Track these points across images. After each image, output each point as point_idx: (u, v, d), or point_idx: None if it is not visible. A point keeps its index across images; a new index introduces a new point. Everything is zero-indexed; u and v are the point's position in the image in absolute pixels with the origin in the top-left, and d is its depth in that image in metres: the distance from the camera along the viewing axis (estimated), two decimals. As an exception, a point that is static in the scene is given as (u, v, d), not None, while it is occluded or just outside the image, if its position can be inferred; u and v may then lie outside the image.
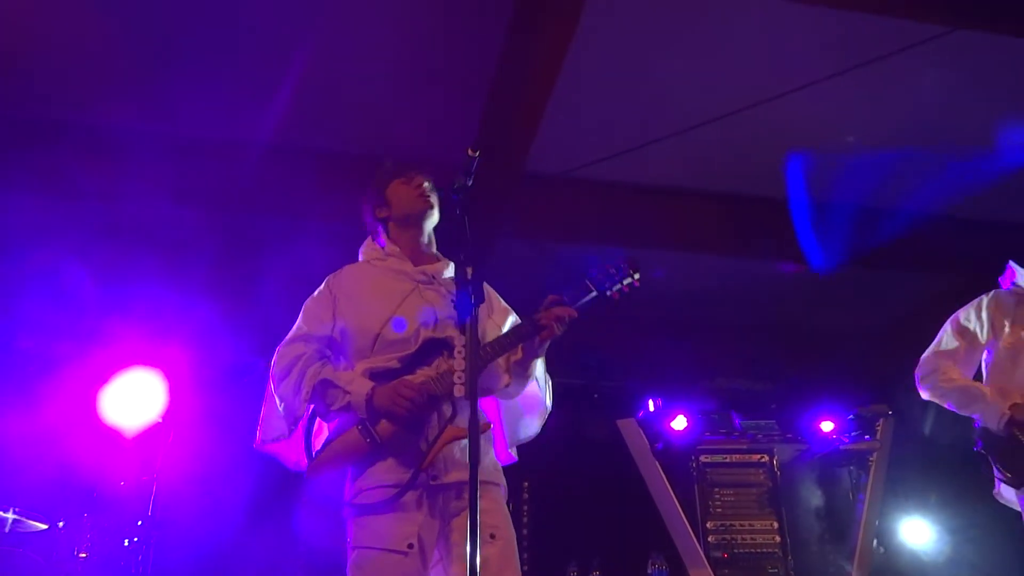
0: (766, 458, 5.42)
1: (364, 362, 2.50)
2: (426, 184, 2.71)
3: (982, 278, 3.80)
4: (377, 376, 2.45)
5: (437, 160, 4.36)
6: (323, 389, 2.44)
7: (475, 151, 2.26)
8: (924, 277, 6.20)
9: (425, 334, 2.51)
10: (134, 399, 4.99)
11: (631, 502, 5.34)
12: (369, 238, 2.80)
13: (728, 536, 5.16)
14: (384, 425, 2.40)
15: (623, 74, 4.46)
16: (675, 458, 5.35)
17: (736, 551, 5.13)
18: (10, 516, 4.40)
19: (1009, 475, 3.26)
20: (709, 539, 5.13)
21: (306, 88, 4.40)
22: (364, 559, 2.33)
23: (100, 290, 5.27)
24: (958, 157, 4.91)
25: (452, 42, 4.28)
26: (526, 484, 5.62)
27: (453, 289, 2.43)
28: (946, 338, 3.60)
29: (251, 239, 5.37)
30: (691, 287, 6.22)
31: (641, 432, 5.37)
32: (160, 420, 4.82)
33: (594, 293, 2.55)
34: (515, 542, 2.41)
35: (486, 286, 2.65)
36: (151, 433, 4.86)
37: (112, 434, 5.00)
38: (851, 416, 5.64)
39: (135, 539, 4.53)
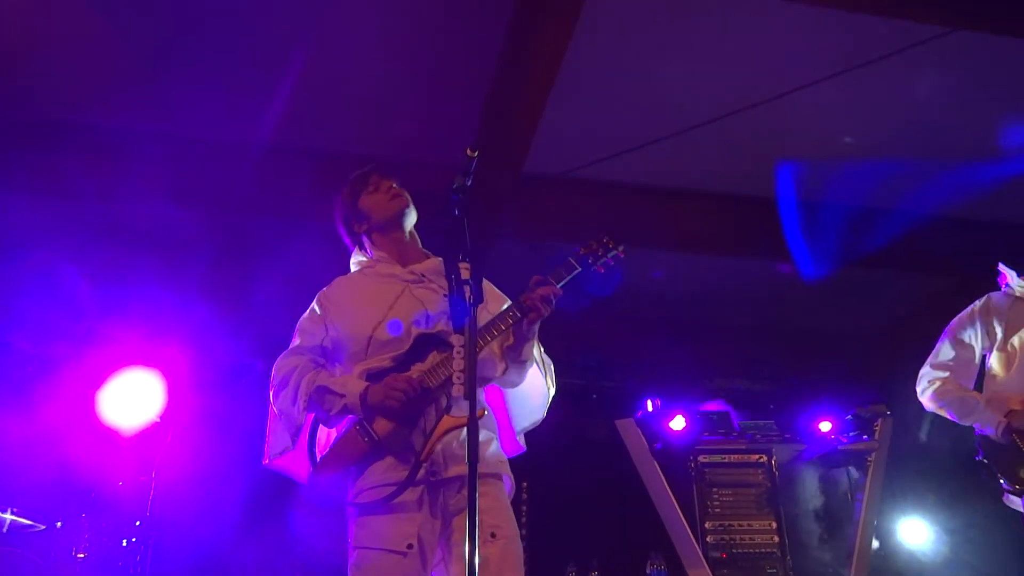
0: (764, 458, 5.42)
1: (359, 365, 2.52)
2: (393, 185, 2.74)
3: (980, 278, 3.81)
4: (372, 376, 2.46)
5: (436, 160, 4.37)
6: (320, 395, 2.45)
7: (474, 151, 2.26)
8: (923, 277, 6.21)
9: (417, 332, 2.51)
10: (132, 399, 4.97)
11: (630, 502, 5.34)
12: (356, 248, 2.82)
13: (726, 536, 5.16)
14: (381, 423, 2.40)
15: (623, 74, 4.46)
16: (674, 458, 5.34)
17: (734, 551, 5.13)
18: (8, 516, 4.39)
19: (1016, 487, 3.25)
20: (708, 539, 5.13)
21: (305, 88, 4.40)
22: (364, 559, 2.33)
23: (99, 290, 5.27)
24: (958, 158, 4.92)
25: (452, 42, 4.28)
26: (525, 484, 5.61)
27: (444, 284, 2.43)
28: (943, 349, 3.62)
29: (250, 240, 5.37)
30: (690, 287, 6.22)
31: (640, 432, 5.37)
32: (158, 420, 4.81)
33: (579, 269, 2.55)
34: (518, 540, 2.39)
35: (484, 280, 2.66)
36: (149, 433, 4.84)
37: (110, 434, 4.98)
38: (849, 416, 5.63)
39: (133, 539, 4.53)
